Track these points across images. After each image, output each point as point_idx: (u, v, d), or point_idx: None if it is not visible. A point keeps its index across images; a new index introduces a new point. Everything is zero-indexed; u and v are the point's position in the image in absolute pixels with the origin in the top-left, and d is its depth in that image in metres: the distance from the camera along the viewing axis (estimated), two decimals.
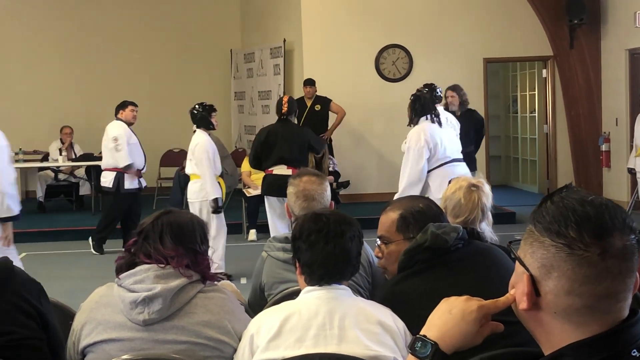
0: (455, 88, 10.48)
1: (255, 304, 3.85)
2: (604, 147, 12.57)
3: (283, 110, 8.59)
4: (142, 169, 10.19)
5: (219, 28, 15.43)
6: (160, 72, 15.32)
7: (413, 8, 13.06)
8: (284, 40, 13.44)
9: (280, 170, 8.40)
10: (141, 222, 3.01)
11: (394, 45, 13.15)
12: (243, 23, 15.56)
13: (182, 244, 2.87)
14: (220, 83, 15.18)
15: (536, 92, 14.72)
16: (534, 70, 14.67)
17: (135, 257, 2.89)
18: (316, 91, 12.22)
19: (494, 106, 15.51)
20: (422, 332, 1.71)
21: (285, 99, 8.81)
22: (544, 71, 13.51)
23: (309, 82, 12.22)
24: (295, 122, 8.82)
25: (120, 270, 2.89)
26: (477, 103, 12.57)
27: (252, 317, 2.91)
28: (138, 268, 2.84)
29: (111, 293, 2.85)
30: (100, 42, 15.22)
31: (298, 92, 13.36)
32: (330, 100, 12.24)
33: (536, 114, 14.78)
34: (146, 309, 2.75)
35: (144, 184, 10.22)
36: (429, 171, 7.58)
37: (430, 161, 7.58)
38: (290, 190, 4.11)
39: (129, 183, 10.05)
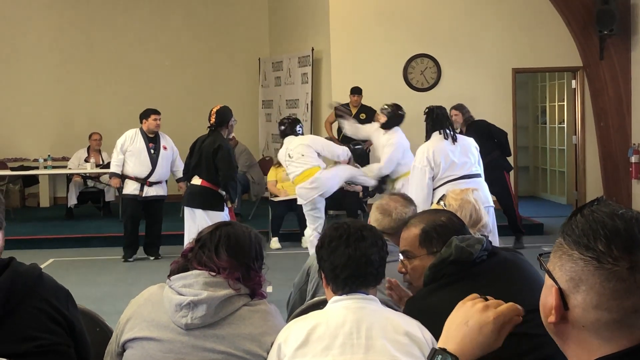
0: (459, 107, 10.76)
1: (299, 284, 4.33)
2: (633, 159, 12.47)
3: (211, 121, 8.49)
4: (146, 177, 10.24)
5: (247, 37, 15.49)
6: (188, 80, 15.41)
7: (442, 18, 13.04)
8: (312, 49, 13.47)
9: (194, 180, 8.56)
10: (200, 230, 3.08)
11: (422, 54, 13.13)
12: (271, 32, 15.61)
13: (237, 257, 2.91)
14: (248, 91, 15.23)
15: (565, 103, 14.65)
16: (563, 80, 14.60)
17: (189, 263, 2.94)
18: (362, 99, 12.27)
19: (523, 117, 15.45)
20: (440, 344, 1.73)
21: (215, 109, 8.54)
22: (573, 82, 13.43)
23: (356, 91, 12.27)
24: (226, 135, 8.57)
25: (173, 274, 2.94)
26: (505, 113, 12.53)
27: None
28: (189, 272, 2.89)
29: (161, 293, 2.91)
30: (129, 50, 15.35)
31: (326, 100, 13.37)
32: (375, 111, 12.27)
33: (565, 125, 14.70)
34: (190, 314, 2.79)
35: (150, 192, 10.25)
36: (434, 189, 7.67)
37: (434, 179, 7.69)
38: (375, 202, 4.29)
39: (127, 188, 10.30)
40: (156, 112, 10.26)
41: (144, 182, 10.20)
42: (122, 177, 10.26)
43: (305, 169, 8.99)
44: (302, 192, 9.07)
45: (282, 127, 9.35)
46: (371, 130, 9.34)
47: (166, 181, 10.55)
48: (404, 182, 8.59)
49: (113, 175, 10.36)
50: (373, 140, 9.38)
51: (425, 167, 7.69)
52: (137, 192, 10.21)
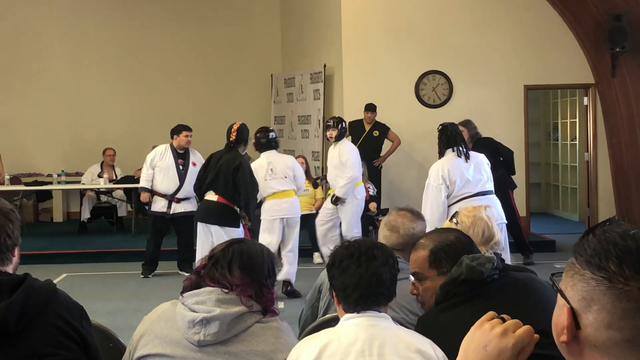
0: (465, 123, 10.68)
1: (310, 300, 4.31)
2: None
3: (231, 139, 8.48)
4: (174, 194, 10.18)
5: (260, 53, 15.55)
6: (201, 96, 15.47)
7: (454, 35, 13.05)
8: (324, 66, 13.50)
9: (209, 196, 8.54)
10: (213, 247, 3.10)
11: (434, 71, 13.12)
12: (284, 48, 15.66)
13: (249, 274, 2.92)
14: (260, 107, 15.26)
15: (577, 120, 14.63)
16: (575, 97, 14.59)
17: (201, 279, 2.96)
18: (376, 117, 12.25)
19: (535, 133, 15.43)
20: None
21: (236, 126, 8.56)
22: (585, 99, 13.41)
23: (370, 108, 12.21)
24: (242, 151, 8.62)
25: (185, 290, 2.96)
26: (517, 130, 12.52)
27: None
28: (202, 289, 2.90)
29: (174, 309, 2.92)
30: (143, 65, 15.41)
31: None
32: (389, 128, 12.26)
33: (577, 142, 14.69)
34: (203, 330, 2.80)
35: (178, 209, 10.17)
36: (449, 206, 7.65)
37: (449, 197, 7.67)
38: (383, 219, 4.26)
39: (155, 205, 10.24)
40: (188, 129, 10.20)
41: (171, 198, 10.15)
42: (152, 192, 10.22)
43: (285, 189, 9.05)
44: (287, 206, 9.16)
45: (257, 141, 9.14)
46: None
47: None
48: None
49: (143, 189, 10.27)
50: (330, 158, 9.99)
51: (440, 185, 7.66)
52: (165, 210, 10.16)
